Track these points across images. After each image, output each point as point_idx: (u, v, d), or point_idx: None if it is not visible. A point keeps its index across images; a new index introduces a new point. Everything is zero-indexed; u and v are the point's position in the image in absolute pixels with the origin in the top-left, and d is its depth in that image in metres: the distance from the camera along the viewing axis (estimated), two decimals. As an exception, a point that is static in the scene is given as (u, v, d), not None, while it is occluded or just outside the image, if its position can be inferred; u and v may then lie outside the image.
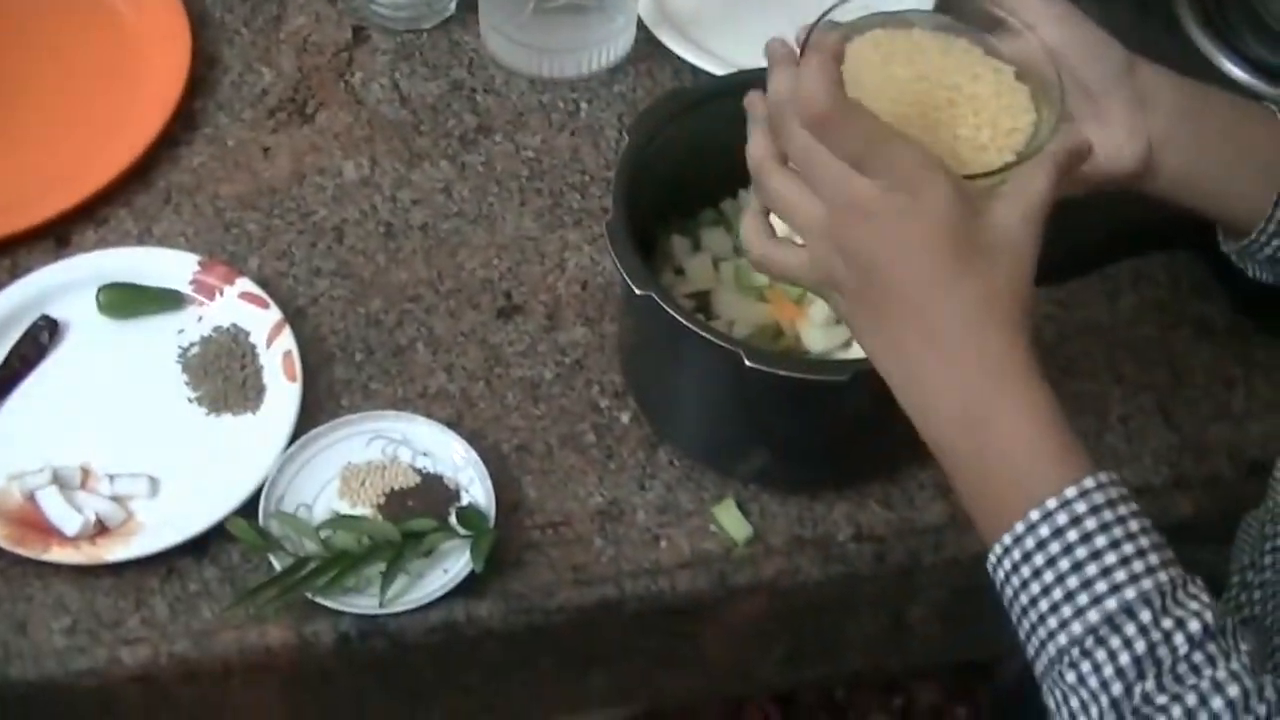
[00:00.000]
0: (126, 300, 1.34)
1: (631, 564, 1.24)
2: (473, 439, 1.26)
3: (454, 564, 1.20)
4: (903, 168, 0.93)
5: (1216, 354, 1.39)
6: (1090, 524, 0.88)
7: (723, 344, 1.11)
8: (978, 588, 0.98)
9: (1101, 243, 1.16)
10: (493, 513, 1.21)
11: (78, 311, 1.34)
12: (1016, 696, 1.41)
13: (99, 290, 1.33)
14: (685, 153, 1.25)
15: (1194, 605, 0.87)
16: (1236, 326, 1.41)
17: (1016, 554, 0.90)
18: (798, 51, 1.00)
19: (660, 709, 1.87)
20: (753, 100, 1.03)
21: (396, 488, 1.24)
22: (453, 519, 1.21)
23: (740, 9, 1.58)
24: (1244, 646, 0.87)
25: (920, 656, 1.42)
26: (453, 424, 1.28)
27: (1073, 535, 0.88)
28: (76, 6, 1.55)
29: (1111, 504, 0.89)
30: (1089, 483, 0.89)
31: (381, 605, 1.17)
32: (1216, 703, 0.84)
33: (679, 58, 1.53)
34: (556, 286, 1.38)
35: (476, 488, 1.23)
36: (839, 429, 1.23)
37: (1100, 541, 0.88)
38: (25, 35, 1.54)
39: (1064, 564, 0.88)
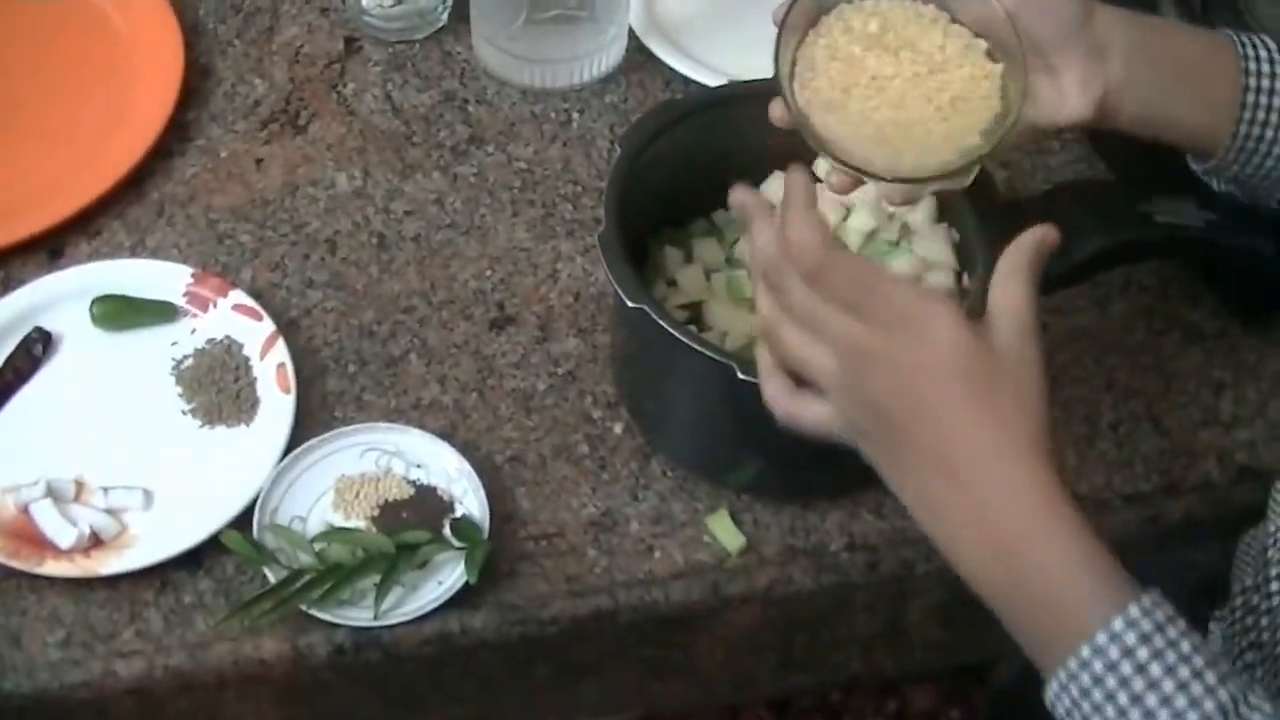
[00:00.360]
0: (120, 312, 1.34)
1: (625, 574, 1.24)
2: (466, 450, 1.27)
3: (448, 575, 1.20)
4: (899, 307, 0.94)
5: (1206, 359, 1.39)
6: (1143, 654, 0.88)
7: (716, 357, 1.11)
8: (971, 595, 0.98)
9: (1094, 258, 1.17)
10: (487, 524, 1.22)
11: (71, 324, 1.34)
12: (1012, 699, 1.41)
13: (92, 302, 1.33)
14: (677, 164, 1.26)
15: (1257, 717, 0.87)
16: (1225, 331, 1.41)
17: (1074, 690, 0.90)
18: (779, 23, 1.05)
19: (655, 716, 1.87)
20: (743, 249, 1.03)
21: (390, 499, 1.24)
22: (447, 530, 1.22)
23: (730, 19, 1.58)
24: None
25: (915, 662, 1.42)
26: (446, 435, 1.28)
27: (1127, 668, 0.88)
28: (69, 18, 1.56)
29: (1160, 628, 0.88)
30: (1134, 611, 0.89)
31: (376, 617, 1.17)
32: None
33: (670, 68, 1.53)
34: (549, 297, 1.38)
35: (470, 499, 1.24)
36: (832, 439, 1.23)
37: (1155, 670, 0.88)
38: (17, 46, 1.54)
39: (1123, 698, 0.88)
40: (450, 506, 1.24)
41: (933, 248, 1.25)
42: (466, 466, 1.25)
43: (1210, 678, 0.87)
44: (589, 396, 1.33)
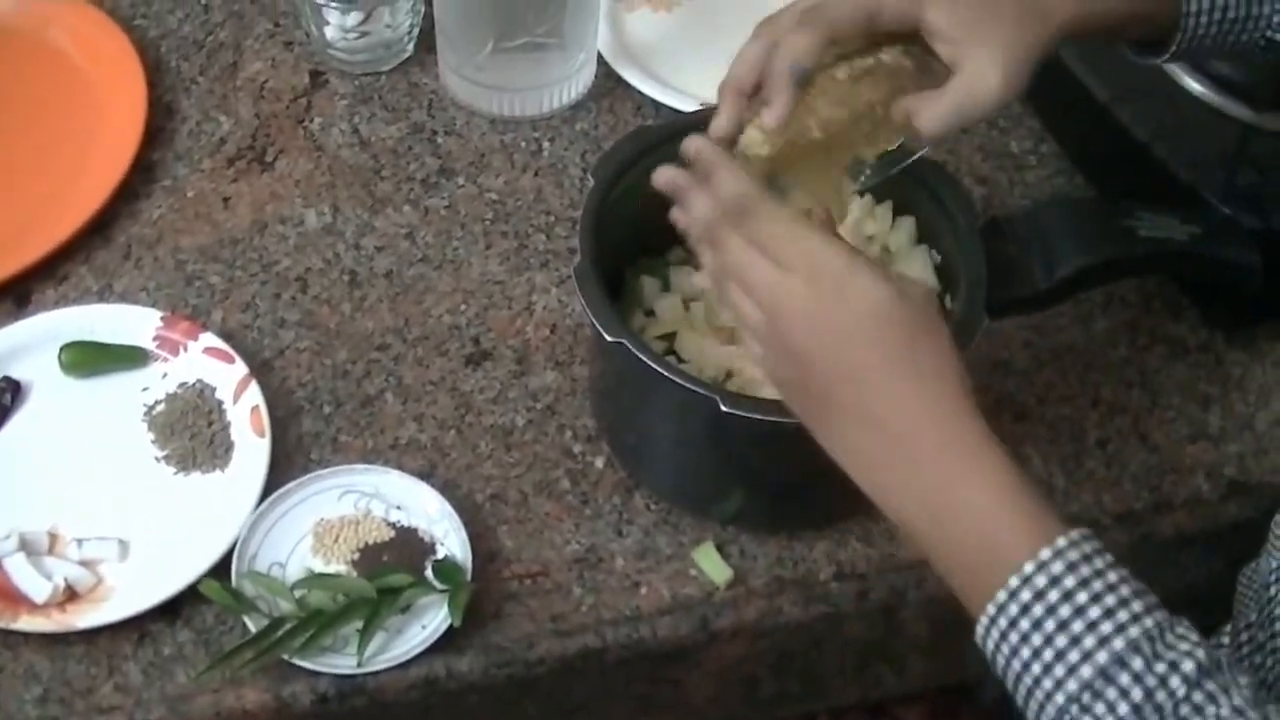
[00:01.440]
0: (89, 359, 1.32)
1: (612, 611, 1.22)
2: (446, 490, 1.25)
3: (432, 619, 1.18)
4: (821, 260, 0.96)
5: (1191, 373, 1.39)
6: (1069, 582, 0.89)
7: (699, 390, 1.10)
8: (962, 620, 0.97)
9: (1079, 275, 1.16)
10: (469, 565, 1.20)
11: (40, 372, 1.32)
12: (1001, 715, 1.40)
13: (61, 349, 1.31)
14: (651, 192, 1.23)
15: (1184, 646, 0.87)
16: (1209, 344, 1.40)
17: (1003, 622, 0.90)
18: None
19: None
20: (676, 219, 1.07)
21: (371, 542, 1.22)
22: (429, 573, 1.20)
23: (699, 42, 1.57)
24: (1243, 680, 0.87)
25: (905, 686, 1.41)
26: (425, 475, 1.26)
27: (1054, 595, 0.89)
28: (30, 58, 1.54)
29: (1087, 559, 0.89)
30: (1061, 542, 0.90)
31: (360, 664, 1.15)
32: None
33: (640, 92, 1.52)
34: (525, 330, 1.36)
35: (452, 539, 1.22)
36: (816, 468, 1.21)
37: (1081, 598, 0.88)
38: (-23, 90, 1.52)
39: (1049, 625, 0.89)
40: (432, 548, 1.22)
41: (913, 269, 1.24)
42: (447, 507, 1.23)
43: (1137, 606, 0.88)
44: (569, 431, 1.31)
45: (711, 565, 1.24)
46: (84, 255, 1.40)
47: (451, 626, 1.17)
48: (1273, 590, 1.06)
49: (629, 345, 1.11)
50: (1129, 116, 1.39)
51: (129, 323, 1.34)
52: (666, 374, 1.11)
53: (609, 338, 1.11)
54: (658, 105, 1.51)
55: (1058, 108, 1.50)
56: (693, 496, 1.26)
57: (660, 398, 1.15)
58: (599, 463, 1.29)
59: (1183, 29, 1.15)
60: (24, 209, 1.42)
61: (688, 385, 1.10)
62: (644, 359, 1.11)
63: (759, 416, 1.09)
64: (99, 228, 1.41)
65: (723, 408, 1.08)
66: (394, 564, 1.20)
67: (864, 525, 1.27)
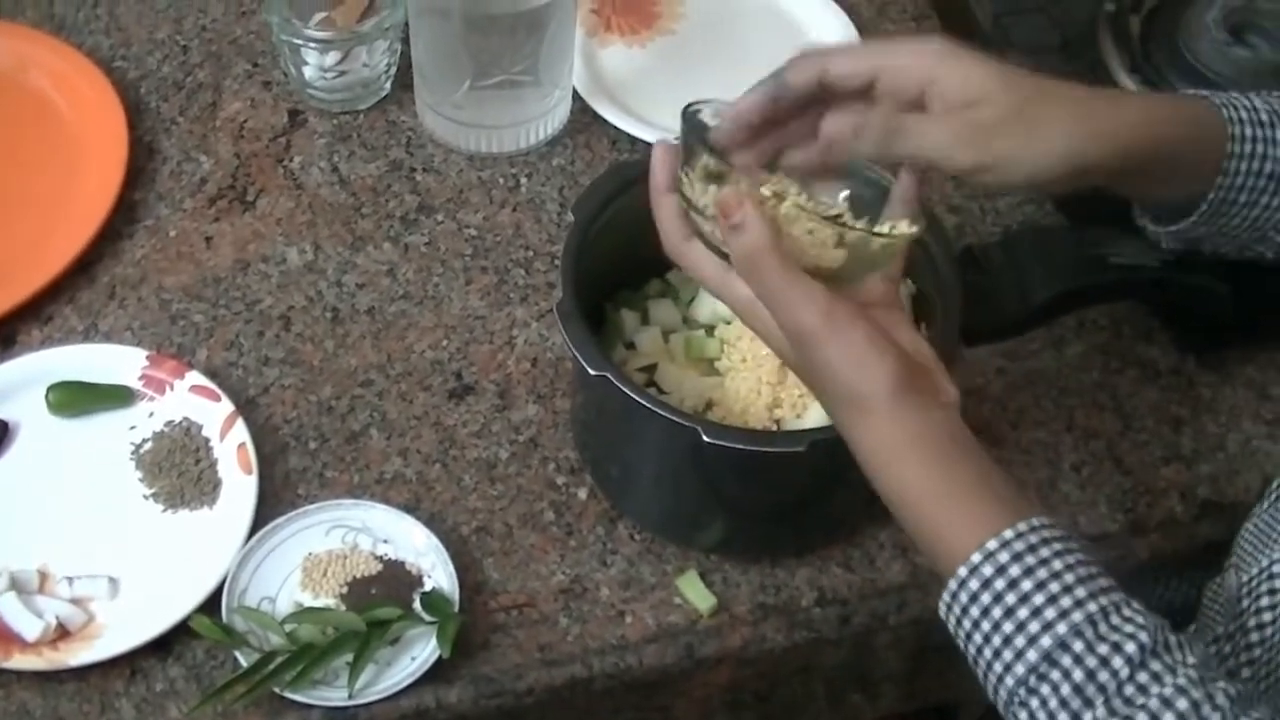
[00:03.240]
0: (76, 398, 1.33)
1: (598, 641, 1.23)
2: (432, 523, 1.26)
3: (421, 650, 1.19)
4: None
5: (1163, 396, 1.40)
6: (1015, 570, 0.93)
7: (681, 421, 1.11)
8: (943, 645, 0.99)
9: (1052, 303, 1.18)
10: (457, 597, 1.21)
11: (27, 412, 1.33)
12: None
13: (48, 390, 1.32)
14: (630, 227, 1.24)
15: (1129, 628, 0.91)
16: (1180, 367, 1.42)
17: (956, 609, 0.95)
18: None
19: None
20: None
21: (359, 576, 1.23)
22: (417, 605, 1.21)
23: (673, 76, 1.59)
24: (1192, 660, 0.91)
25: (887, 707, 1.42)
26: (411, 508, 1.27)
27: (1000, 584, 0.93)
28: (9, 101, 1.55)
29: (1033, 548, 0.93)
30: (1008, 533, 0.93)
31: (351, 697, 1.17)
32: (1167, 719, 0.88)
33: (616, 127, 1.54)
34: (507, 364, 1.38)
35: (439, 572, 1.23)
36: (797, 496, 1.24)
37: (1026, 585, 0.92)
38: (-42, 133, 1.53)
39: (996, 612, 0.93)
40: (419, 580, 1.23)
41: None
42: (434, 540, 1.24)
43: (1080, 592, 0.92)
44: (552, 463, 1.32)
45: (695, 593, 1.26)
46: (69, 296, 1.41)
47: (440, 658, 1.18)
48: (1244, 604, 1.08)
49: (611, 379, 1.12)
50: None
51: (115, 362, 1.35)
52: (648, 406, 1.12)
53: (592, 372, 1.13)
54: (633, 140, 1.53)
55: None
56: (675, 526, 1.28)
57: (642, 429, 1.17)
58: (582, 494, 1.31)
59: (1224, 171, 1.10)
60: (8, 250, 1.43)
61: (669, 416, 1.12)
62: (626, 391, 1.12)
63: (740, 446, 1.11)
64: (83, 268, 1.43)
65: (704, 438, 1.10)
66: (382, 597, 1.22)
67: (844, 551, 1.29)
